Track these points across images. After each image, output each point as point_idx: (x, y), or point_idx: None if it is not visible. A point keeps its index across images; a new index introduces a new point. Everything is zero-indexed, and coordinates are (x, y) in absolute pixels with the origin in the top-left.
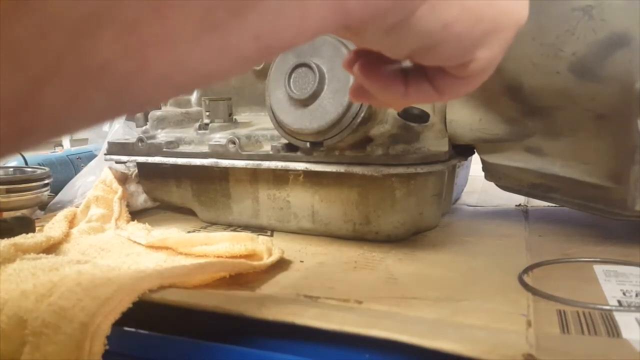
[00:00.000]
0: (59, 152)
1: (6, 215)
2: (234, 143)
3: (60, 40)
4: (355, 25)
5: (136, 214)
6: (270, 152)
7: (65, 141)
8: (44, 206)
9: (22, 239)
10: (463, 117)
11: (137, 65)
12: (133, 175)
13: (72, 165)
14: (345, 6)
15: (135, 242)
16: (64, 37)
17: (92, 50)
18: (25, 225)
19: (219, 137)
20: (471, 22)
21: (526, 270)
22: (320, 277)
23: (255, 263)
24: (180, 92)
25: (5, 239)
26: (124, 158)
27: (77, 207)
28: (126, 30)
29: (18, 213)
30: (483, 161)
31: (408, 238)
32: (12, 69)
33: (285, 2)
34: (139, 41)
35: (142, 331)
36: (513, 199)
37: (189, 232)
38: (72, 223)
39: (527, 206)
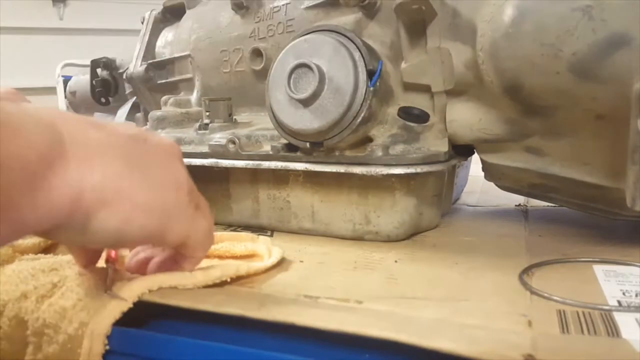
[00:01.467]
0: None
1: None
2: (234, 143)
3: None
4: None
5: None
6: (270, 152)
7: None
8: None
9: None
10: (463, 117)
11: None
12: None
13: None
14: (23, 221)
15: None
16: None
17: None
18: None
19: (219, 137)
20: (145, 216)
21: (526, 270)
22: (320, 277)
23: (256, 264)
24: None
25: None
26: None
27: None
28: None
29: None
30: (483, 161)
31: (408, 238)
32: None
33: None
34: None
35: (142, 331)
36: (513, 199)
37: None
38: None
39: (527, 206)
